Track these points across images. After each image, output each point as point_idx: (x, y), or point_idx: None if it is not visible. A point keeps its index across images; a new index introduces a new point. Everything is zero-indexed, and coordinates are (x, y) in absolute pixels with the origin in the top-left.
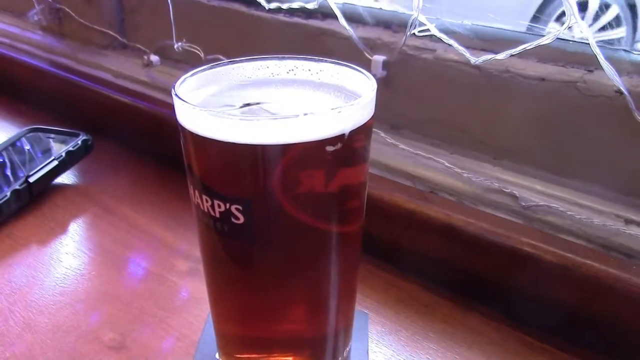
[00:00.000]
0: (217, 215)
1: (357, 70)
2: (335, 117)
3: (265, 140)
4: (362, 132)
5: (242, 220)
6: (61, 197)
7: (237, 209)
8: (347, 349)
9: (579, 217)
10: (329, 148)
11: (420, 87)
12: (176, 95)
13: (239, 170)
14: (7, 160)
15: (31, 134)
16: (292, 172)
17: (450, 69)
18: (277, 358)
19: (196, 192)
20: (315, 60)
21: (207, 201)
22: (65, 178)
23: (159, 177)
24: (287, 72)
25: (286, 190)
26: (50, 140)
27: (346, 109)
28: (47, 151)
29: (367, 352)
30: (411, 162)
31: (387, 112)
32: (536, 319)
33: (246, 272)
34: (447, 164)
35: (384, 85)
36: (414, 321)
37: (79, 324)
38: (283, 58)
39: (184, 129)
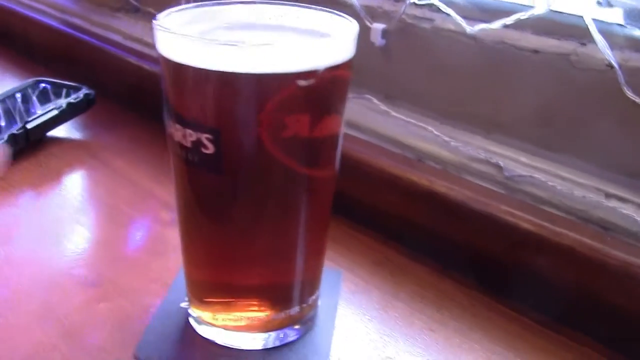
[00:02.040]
0: (189, 144)
1: (346, 19)
2: (308, 50)
3: (236, 68)
4: (337, 76)
5: (211, 150)
6: (57, 147)
7: (207, 139)
8: (313, 298)
9: (560, 188)
10: (301, 83)
11: (417, 56)
12: (155, 21)
13: (209, 97)
14: (10, 107)
15: (36, 84)
16: (262, 103)
17: (447, 39)
18: (241, 302)
19: (170, 122)
20: (305, 7)
21: (179, 130)
22: (64, 131)
23: (156, 135)
24: (276, 18)
25: (256, 122)
26: (54, 91)
27: (319, 43)
28: (48, 101)
29: (336, 308)
30: (402, 131)
31: (384, 81)
32: (508, 287)
33: (213, 207)
34: (436, 132)
35: (382, 54)
36: (387, 282)
37: (59, 262)
38: (272, 3)
39: (161, 56)
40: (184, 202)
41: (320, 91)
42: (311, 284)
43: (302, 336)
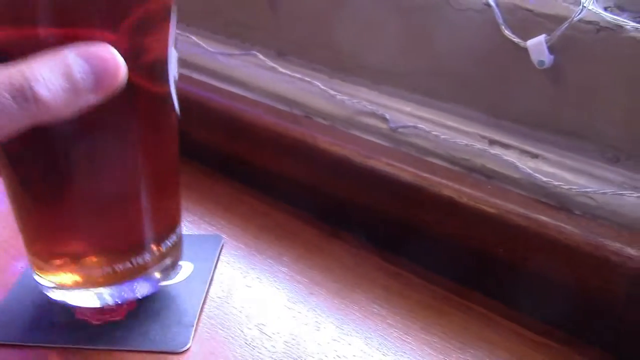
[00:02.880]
0: None
1: None
2: None
3: None
4: None
5: None
6: None
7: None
8: (165, 247)
9: (443, 137)
10: None
11: (308, 10)
12: None
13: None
14: None
15: None
16: (61, 20)
17: None
18: (79, 255)
19: None
20: None
21: None
22: None
23: None
24: None
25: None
26: None
27: None
28: None
29: (212, 272)
30: (289, 87)
31: (273, 37)
32: (392, 243)
33: (24, 154)
34: (322, 87)
35: (269, 8)
36: (272, 246)
37: None
38: None
39: None
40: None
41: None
42: (157, 231)
43: (166, 301)
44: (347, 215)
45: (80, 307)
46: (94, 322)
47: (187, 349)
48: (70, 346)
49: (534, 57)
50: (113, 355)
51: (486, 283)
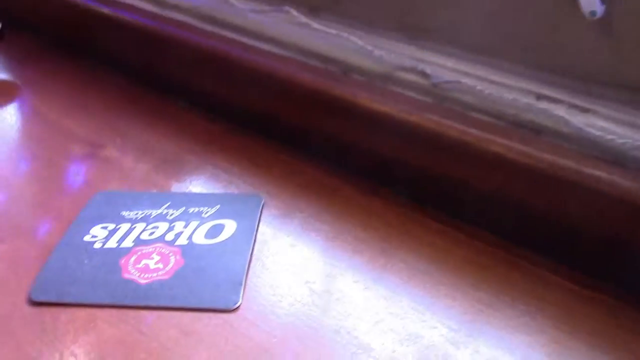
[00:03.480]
0: None
1: None
2: None
3: None
4: None
5: None
6: None
7: None
8: None
9: (489, 92)
10: None
11: None
12: None
13: None
14: None
15: None
16: None
17: None
18: None
19: None
20: None
21: None
22: None
23: (71, 69)
24: None
25: None
26: None
27: None
28: None
29: (255, 231)
30: (324, 43)
31: None
32: (439, 201)
33: None
34: (360, 43)
35: None
36: (312, 204)
37: None
38: None
39: None
40: None
41: None
42: None
43: (212, 260)
44: (388, 173)
45: (126, 266)
46: (141, 282)
47: (237, 307)
48: (119, 304)
49: (585, 8)
50: (162, 314)
51: (534, 239)
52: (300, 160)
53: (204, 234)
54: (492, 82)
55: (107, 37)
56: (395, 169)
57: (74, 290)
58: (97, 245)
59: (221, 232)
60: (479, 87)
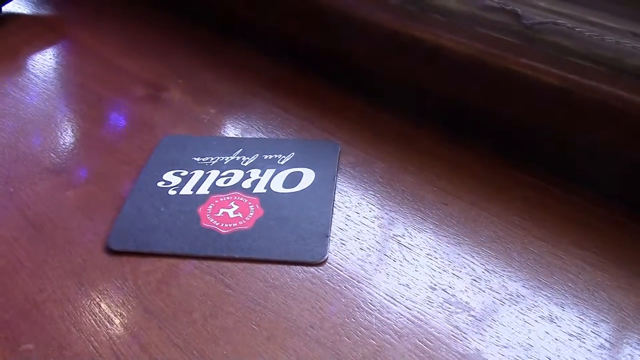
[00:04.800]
0: None
1: None
2: None
3: None
4: None
5: None
6: (14, 24)
7: None
8: None
9: (588, 34)
10: None
11: None
12: None
13: None
14: None
15: None
16: None
17: None
18: None
19: None
20: None
21: None
22: (20, 5)
23: (122, 5)
24: None
25: None
26: None
27: None
28: None
29: (334, 180)
30: None
31: None
32: (530, 151)
33: None
34: None
35: None
36: (391, 153)
37: (18, 146)
38: None
39: None
40: None
41: None
42: None
43: (294, 209)
44: (473, 120)
45: (205, 215)
46: (222, 231)
47: (325, 260)
48: (201, 255)
49: None
50: (247, 266)
51: (637, 195)
52: (374, 106)
53: (282, 182)
54: (592, 23)
55: None
56: (481, 118)
57: (152, 239)
58: (172, 192)
59: (300, 180)
60: (578, 29)
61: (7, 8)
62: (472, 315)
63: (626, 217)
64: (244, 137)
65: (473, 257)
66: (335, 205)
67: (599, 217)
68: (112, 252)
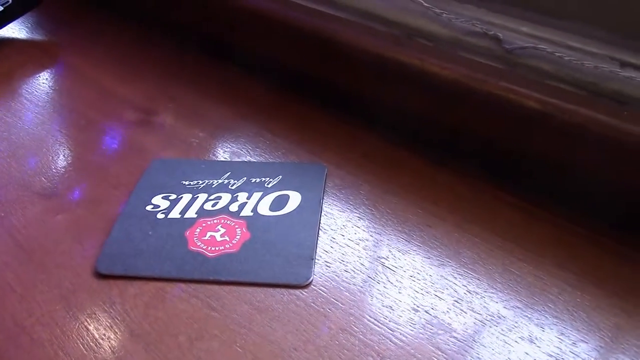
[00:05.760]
0: None
1: None
2: None
3: None
4: None
5: None
6: (8, 48)
7: None
8: None
9: (568, 59)
10: None
11: None
12: None
13: None
14: None
15: None
16: None
17: None
18: None
19: None
20: None
21: None
22: (14, 30)
23: (118, 30)
24: None
25: None
26: None
27: None
28: None
29: (320, 203)
30: (386, 5)
31: None
32: (513, 174)
33: None
34: (425, 4)
35: None
36: (378, 176)
37: (10, 170)
38: None
39: None
40: None
41: None
42: None
43: (280, 232)
44: (456, 143)
45: (192, 238)
46: (209, 254)
47: (309, 282)
48: (188, 278)
49: None
50: (233, 289)
51: (620, 217)
52: (361, 129)
53: (269, 205)
54: (571, 48)
55: None
56: (465, 141)
57: (140, 263)
58: (160, 216)
59: (286, 203)
60: (558, 54)
61: (1, 32)
62: (454, 337)
63: (606, 236)
64: (232, 160)
65: (455, 278)
66: (320, 227)
67: (580, 236)
68: (100, 275)
